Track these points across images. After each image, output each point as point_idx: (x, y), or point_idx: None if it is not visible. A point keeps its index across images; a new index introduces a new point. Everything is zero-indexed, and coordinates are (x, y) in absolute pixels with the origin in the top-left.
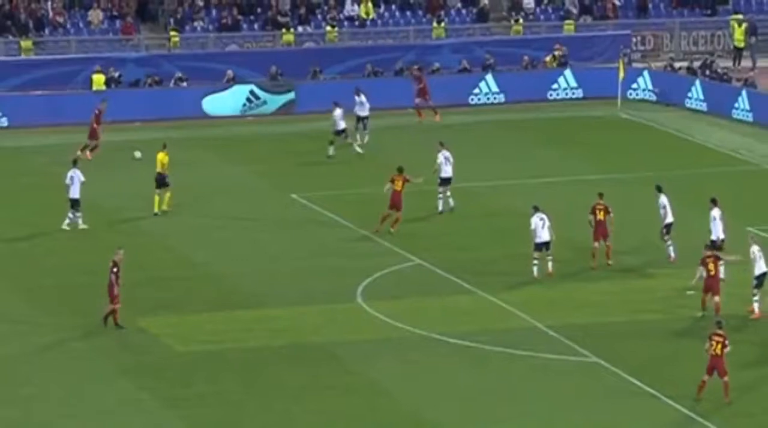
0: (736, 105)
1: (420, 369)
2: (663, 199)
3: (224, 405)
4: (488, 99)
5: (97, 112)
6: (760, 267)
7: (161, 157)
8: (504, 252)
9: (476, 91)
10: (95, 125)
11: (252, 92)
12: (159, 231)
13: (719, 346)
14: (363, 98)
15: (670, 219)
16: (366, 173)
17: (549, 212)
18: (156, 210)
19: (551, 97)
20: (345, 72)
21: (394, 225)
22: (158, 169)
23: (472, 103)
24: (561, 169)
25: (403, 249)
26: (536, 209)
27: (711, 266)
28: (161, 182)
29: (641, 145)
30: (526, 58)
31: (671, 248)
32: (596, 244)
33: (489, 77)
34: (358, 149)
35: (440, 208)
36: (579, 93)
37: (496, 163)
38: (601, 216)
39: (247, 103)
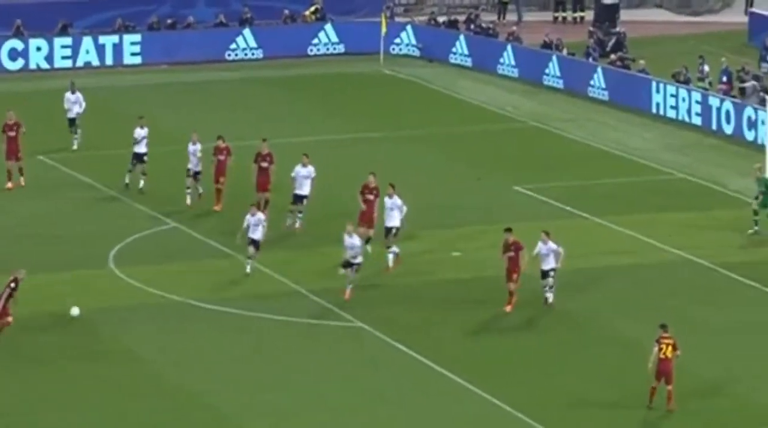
0: (502, 60)
1: (177, 337)
2: (302, 170)
3: None
4: (246, 54)
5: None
6: (548, 263)
7: None
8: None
9: (233, 46)
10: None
11: None
12: None
13: (669, 349)
14: (79, 95)
15: (304, 191)
16: (113, 131)
17: (315, 171)
18: None
19: (312, 53)
20: (94, 26)
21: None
22: None
23: (229, 58)
24: (325, 126)
25: (158, 212)
26: (392, 187)
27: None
28: None
29: (407, 102)
30: (286, 11)
31: (298, 221)
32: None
33: (247, 32)
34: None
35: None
36: (341, 48)
37: (257, 121)
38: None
39: None
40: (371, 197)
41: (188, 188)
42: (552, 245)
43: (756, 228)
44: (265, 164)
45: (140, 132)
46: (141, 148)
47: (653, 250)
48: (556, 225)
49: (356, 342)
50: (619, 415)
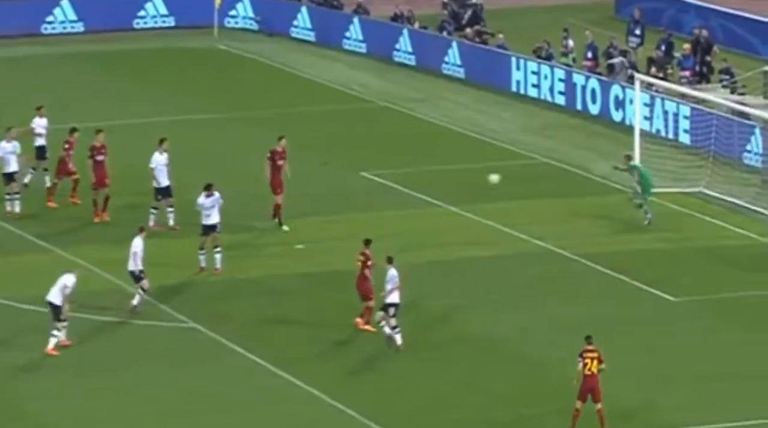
0: (348, 34)
1: None
2: (160, 157)
3: None
4: (64, 28)
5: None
6: (393, 297)
7: None
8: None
9: (50, 18)
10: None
11: None
12: None
13: (594, 363)
14: None
15: (167, 182)
16: None
17: (138, 158)
18: None
19: (138, 26)
20: None
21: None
22: None
23: (46, 32)
24: (153, 108)
25: None
26: (208, 187)
27: None
28: None
29: (244, 81)
30: None
31: (171, 219)
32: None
33: (65, 3)
34: None
35: None
36: (170, 21)
37: (81, 102)
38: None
39: None
40: (281, 163)
41: (9, 194)
42: (393, 271)
43: (649, 216)
44: (101, 157)
45: (39, 122)
46: (42, 141)
47: (512, 241)
48: (408, 214)
49: (188, 343)
50: (475, 416)
